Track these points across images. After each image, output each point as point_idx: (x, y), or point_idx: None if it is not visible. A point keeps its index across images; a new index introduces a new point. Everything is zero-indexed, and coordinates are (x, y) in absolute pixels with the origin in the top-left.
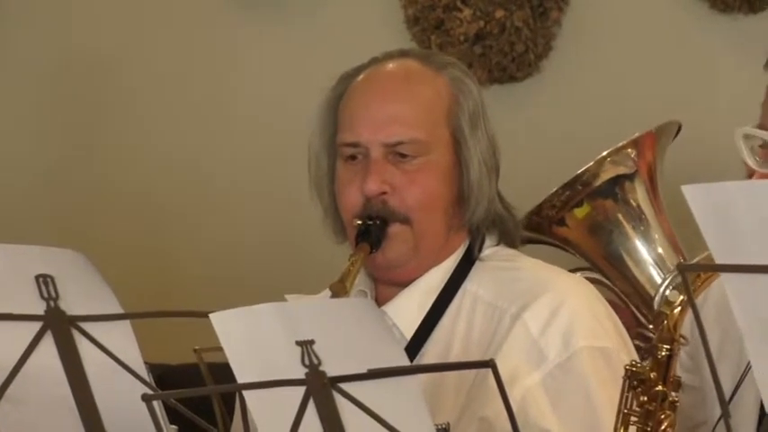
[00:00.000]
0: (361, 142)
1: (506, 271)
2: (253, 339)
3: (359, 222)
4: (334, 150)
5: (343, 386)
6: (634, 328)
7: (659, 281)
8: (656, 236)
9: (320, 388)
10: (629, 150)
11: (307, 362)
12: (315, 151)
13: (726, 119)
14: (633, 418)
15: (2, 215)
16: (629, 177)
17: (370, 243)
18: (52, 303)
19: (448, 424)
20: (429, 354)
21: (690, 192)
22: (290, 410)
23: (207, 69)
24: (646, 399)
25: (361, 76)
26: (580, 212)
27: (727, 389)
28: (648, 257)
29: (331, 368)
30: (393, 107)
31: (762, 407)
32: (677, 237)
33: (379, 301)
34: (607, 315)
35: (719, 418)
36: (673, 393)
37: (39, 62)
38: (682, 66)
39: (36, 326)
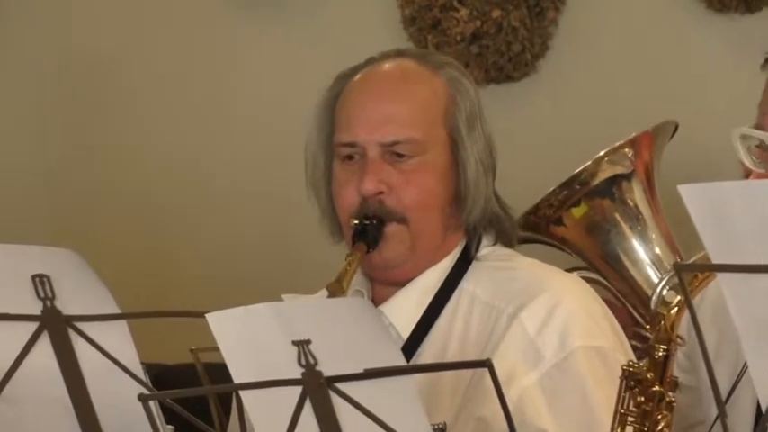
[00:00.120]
0: (357, 142)
1: (503, 271)
2: (249, 339)
3: (356, 222)
4: (330, 150)
5: (340, 386)
6: (631, 328)
7: (656, 281)
8: (653, 236)
9: (317, 388)
10: (627, 150)
11: (303, 362)
12: (312, 151)
13: (723, 119)
14: (630, 419)
15: (1, 215)
16: (627, 177)
17: (366, 243)
18: (49, 303)
19: (444, 424)
20: (426, 353)
21: (686, 191)
22: (286, 410)
23: (207, 69)
24: (643, 399)
25: (357, 76)
26: (577, 212)
27: (724, 389)
28: (645, 257)
29: (327, 368)
30: (390, 107)
31: (758, 406)
32: (674, 236)
33: (376, 300)
34: (603, 315)
35: (716, 418)
36: (670, 394)
37: (39, 62)
38: (678, 66)
39: (32, 326)
